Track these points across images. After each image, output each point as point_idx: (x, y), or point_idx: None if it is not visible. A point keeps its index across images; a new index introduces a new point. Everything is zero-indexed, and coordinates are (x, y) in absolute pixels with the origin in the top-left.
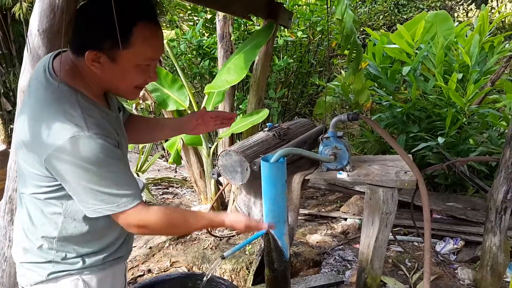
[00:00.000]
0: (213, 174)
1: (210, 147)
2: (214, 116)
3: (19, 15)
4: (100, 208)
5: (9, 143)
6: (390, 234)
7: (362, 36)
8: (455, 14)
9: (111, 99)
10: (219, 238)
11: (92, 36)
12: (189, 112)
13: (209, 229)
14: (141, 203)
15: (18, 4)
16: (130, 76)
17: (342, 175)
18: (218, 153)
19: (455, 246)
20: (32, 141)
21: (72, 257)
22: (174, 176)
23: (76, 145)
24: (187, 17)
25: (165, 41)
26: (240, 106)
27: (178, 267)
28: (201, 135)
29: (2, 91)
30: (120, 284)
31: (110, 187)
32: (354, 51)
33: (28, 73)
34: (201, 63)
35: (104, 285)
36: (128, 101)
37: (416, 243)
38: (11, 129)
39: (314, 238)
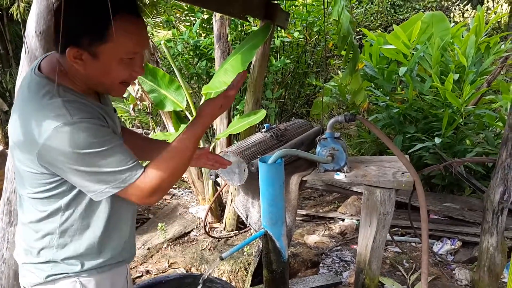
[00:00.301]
0: (211, 175)
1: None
2: (211, 158)
3: (17, 15)
4: (106, 189)
5: (6, 144)
6: (388, 234)
7: (359, 37)
8: (451, 15)
9: (104, 97)
10: (217, 239)
11: (71, 33)
12: (186, 113)
13: (207, 230)
14: (144, 170)
15: (15, 5)
16: (113, 71)
17: (340, 176)
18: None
19: (453, 246)
20: (22, 140)
21: (71, 258)
22: None
23: (63, 133)
24: (184, 18)
25: (162, 42)
26: (237, 107)
27: (176, 268)
28: None
29: None
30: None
31: (109, 166)
32: (351, 52)
33: (25, 74)
34: (198, 64)
35: None
36: (124, 101)
37: (413, 244)
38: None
39: (312, 239)
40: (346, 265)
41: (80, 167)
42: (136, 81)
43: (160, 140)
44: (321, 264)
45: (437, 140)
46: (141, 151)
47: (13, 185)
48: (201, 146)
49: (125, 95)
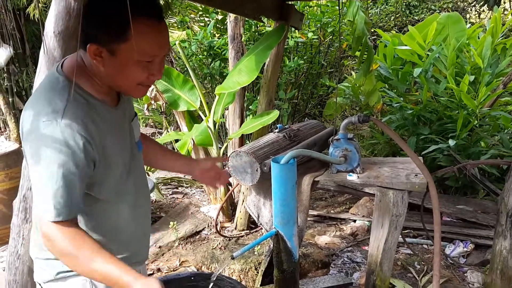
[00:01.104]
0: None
1: (220, 148)
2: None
3: (33, 15)
4: (35, 205)
5: (21, 142)
6: (400, 236)
7: (373, 38)
8: (467, 16)
9: (125, 99)
10: (228, 239)
11: (93, 29)
12: (200, 112)
13: (218, 229)
14: (68, 222)
15: (32, 5)
16: (131, 72)
17: (352, 177)
18: (229, 154)
19: (465, 249)
20: (22, 130)
21: None
22: (184, 176)
23: (41, 128)
24: (198, 18)
25: (176, 42)
26: (250, 107)
27: (187, 266)
28: (211, 135)
29: (15, 90)
30: None
31: (47, 186)
32: (365, 53)
33: (43, 74)
34: (212, 64)
35: None
36: (139, 100)
37: (425, 246)
38: None
39: (323, 240)
40: (356, 266)
41: (34, 164)
42: None
43: (181, 155)
44: (331, 265)
45: (451, 142)
46: (163, 160)
47: (29, 182)
48: (214, 144)
49: None
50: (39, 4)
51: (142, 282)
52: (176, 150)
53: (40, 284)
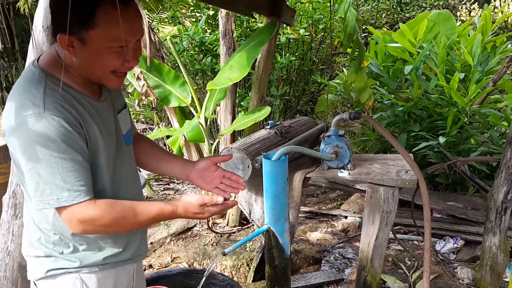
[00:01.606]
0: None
1: (212, 144)
2: (227, 175)
3: (23, 9)
4: (42, 200)
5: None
6: (390, 232)
7: (364, 35)
8: (458, 13)
9: (110, 92)
10: (220, 235)
11: (61, 20)
12: (191, 108)
13: (210, 226)
14: (89, 200)
15: None
16: (103, 59)
17: (343, 174)
18: (220, 150)
19: (455, 245)
20: (4, 127)
21: (69, 253)
22: None
23: (28, 123)
24: (189, 14)
25: (167, 38)
26: (242, 103)
27: (179, 262)
28: (202, 131)
29: (4, 85)
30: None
31: (54, 176)
32: (357, 50)
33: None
34: (203, 60)
35: (104, 287)
36: (130, 96)
37: (416, 242)
38: None
39: (315, 236)
40: (348, 262)
41: (28, 161)
42: (141, 76)
43: (177, 157)
44: (323, 261)
45: (442, 139)
46: (156, 161)
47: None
48: (205, 140)
49: (129, 90)
50: None
51: (185, 200)
52: (167, 147)
53: (34, 283)
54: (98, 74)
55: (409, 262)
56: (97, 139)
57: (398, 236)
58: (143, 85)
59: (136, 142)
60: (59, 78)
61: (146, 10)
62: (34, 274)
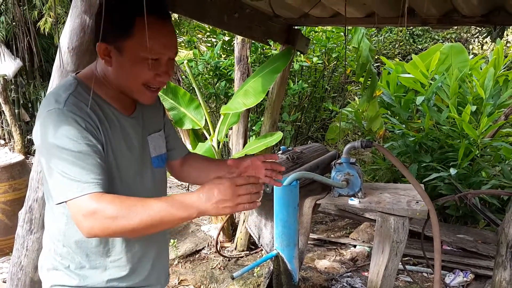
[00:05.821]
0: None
1: None
2: (268, 166)
3: (44, 29)
4: (56, 193)
5: (25, 153)
6: (400, 263)
7: (377, 65)
8: (470, 47)
9: (145, 111)
10: (228, 259)
11: (102, 28)
12: (204, 131)
13: (218, 249)
14: (96, 193)
15: (43, 19)
16: (136, 68)
17: (354, 202)
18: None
19: (465, 279)
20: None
21: (75, 268)
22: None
23: (47, 117)
24: (205, 39)
25: (184, 61)
26: (253, 128)
27: (186, 285)
28: (215, 153)
29: (22, 102)
30: None
31: (68, 169)
32: (369, 79)
33: None
34: (217, 84)
35: None
36: None
37: (425, 274)
38: (28, 140)
39: (323, 264)
40: None
41: (44, 156)
42: None
43: (222, 161)
44: None
45: (453, 171)
46: (205, 173)
47: (36, 194)
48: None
49: None
50: (50, 19)
51: (206, 191)
52: None
53: None
54: (131, 86)
55: None
56: (113, 149)
57: (407, 267)
58: None
59: (186, 160)
60: (90, 87)
61: None
62: (44, 284)
